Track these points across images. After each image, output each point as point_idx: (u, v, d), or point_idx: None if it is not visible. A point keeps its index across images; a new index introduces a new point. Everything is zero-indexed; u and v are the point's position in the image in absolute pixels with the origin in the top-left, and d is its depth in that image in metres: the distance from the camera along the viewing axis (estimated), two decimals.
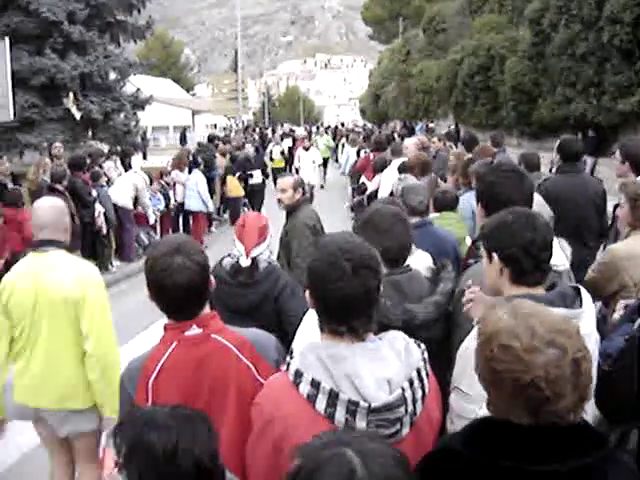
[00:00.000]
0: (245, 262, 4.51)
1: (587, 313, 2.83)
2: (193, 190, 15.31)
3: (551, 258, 2.95)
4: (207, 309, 2.83)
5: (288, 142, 28.14)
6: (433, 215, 5.98)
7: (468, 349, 2.78)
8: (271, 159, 24.61)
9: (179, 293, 2.68)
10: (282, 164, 24.44)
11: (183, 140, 43.61)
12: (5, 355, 4.39)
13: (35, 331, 4.29)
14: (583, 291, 2.91)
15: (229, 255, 4.67)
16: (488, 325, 2.02)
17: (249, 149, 20.64)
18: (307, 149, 22.26)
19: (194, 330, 2.74)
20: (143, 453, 2.00)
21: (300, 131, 40.96)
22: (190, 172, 15.73)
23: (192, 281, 2.69)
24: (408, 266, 3.65)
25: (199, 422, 2.09)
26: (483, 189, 3.89)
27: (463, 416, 2.70)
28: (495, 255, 2.95)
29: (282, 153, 24.83)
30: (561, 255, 3.70)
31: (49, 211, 4.38)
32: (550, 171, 9.11)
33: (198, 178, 15.35)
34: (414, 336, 2.53)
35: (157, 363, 2.71)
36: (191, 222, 15.99)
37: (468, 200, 6.74)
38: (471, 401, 2.68)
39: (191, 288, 2.70)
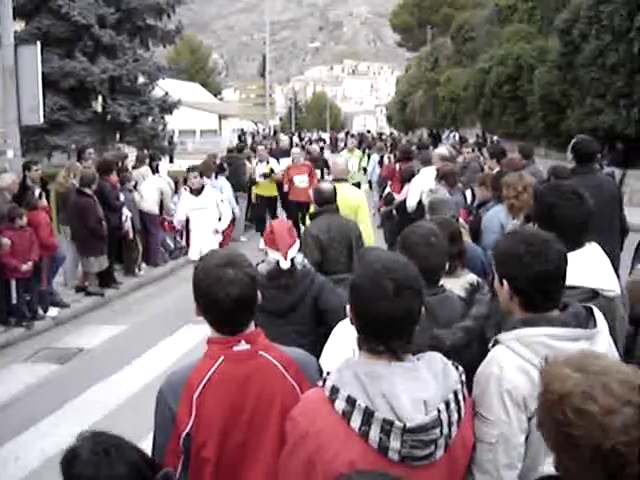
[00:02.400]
0: (285, 264, 4.63)
1: (602, 333, 2.79)
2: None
3: (563, 287, 2.88)
4: (253, 325, 2.81)
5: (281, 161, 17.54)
6: None
7: (484, 374, 2.75)
8: (253, 182, 17.59)
9: (231, 305, 2.65)
10: (272, 191, 16.84)
11: (240, 141, 43.07)
12: None
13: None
14: (596, 310, 2.87)
15: (262, 262, 4.77)
16: (555, 384, 1.87)
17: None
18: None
19: (242, 346, 2.72)
20: None
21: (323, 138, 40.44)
22: (216, 178, 15.67)
23: (244, 293, 2.68)
24: (442, 287, 3.57)
25: (118, 453, 2.08)
26: (541, 210, 3.81)
27: (484, 440, 2.65)
28: (505, 282, 2.92)
29: (268, 175, 16.51)
30: (613, 279, 3.62)
31: (341, 165, 9.42)
32: None
33: (223, 184, 15.28)
34: None
35: (203, 377, 2.68)
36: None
37: (496, 213, 6.65)
38: (491, 425, 2.63)
39: (243, 301, 2.68)
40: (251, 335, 2.76)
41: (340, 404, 2.26)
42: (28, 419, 7.15)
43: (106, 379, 8.28)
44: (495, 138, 34.57)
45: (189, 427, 2.65)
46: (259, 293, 2.81)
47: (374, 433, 2.20)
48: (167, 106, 27.66)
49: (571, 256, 3.01)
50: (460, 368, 2.44)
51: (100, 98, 23.57)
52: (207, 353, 2.77)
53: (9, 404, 7.65)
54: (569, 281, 2.94)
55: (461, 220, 6.45)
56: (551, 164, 9.85)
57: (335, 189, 6.88)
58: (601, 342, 2.73)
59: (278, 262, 4.62)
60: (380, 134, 51.26)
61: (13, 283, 9.72)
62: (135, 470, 2.03)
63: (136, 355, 9.07)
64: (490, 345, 2.88)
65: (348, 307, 2.45)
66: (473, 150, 14.48)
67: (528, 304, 2.85)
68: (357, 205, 8.48)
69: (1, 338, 9.59)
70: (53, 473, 6.22)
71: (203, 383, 2.67)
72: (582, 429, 1.77)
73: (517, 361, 2.65)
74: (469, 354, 3.31)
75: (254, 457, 2.72)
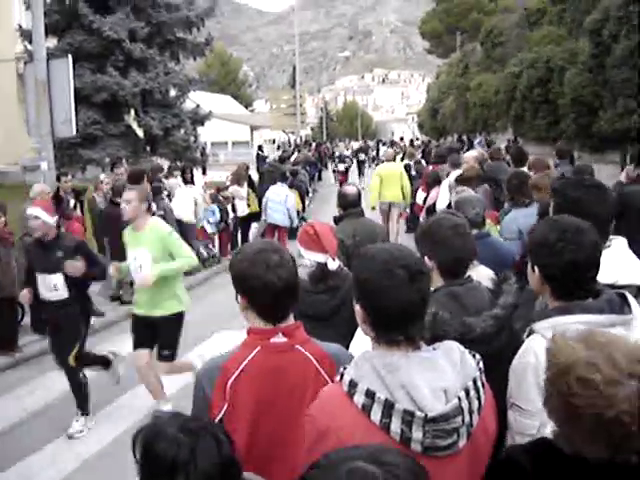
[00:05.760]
0: (334, 265, 4.54)
1: (637, 319, 2.77)
2: (280, 204, 14.74)
3: (596, 276, 2.87)
4: (292, 318, 2.85)
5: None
6: None
7: (521, 364, 2.75)
8: None
9: (282, 288, 2.71)
10: None
11: (261, 152, 42.65)
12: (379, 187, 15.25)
13: (388, 181, 15.13)
14: (629, 297, 2.85)
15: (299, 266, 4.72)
16: (561, 357, 1.90)
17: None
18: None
19: (280, 338, 2.76)
20: (151, 461, 2.04)
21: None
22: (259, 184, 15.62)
23: (292, 276, 2.75)
24: (469, 277, 3.57)
25: (207, 436, 2.09)
26: (566, 206, 3.73)
27: (524, 433, 2.67)
28: (537, 269, 2.93)
29: None
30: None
31: (389, 152, 19.57)
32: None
33: (288, 193, 15.08)
34: (471, 350, 2.49)
35: (239, 365, 2.72)
36: (276, 235, 15.18)
37: (514, 219, 6.52)
38: (530, 417, 2.64)
39: (291, 284, 2.74)
40: (289, 328, 2.79)
41: (359, 398, 2.26)
42: (64, 424, 7.26)
43: (140, 385, 8.36)
44: (507, 140, 34.31)
45: (222, 413, 2.69)
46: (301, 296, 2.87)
47: (395, 425, 2.20)
48: (199, 118, 27.89)
49: (613, 253, 2.98)
50: (477, 356, 2.43)
51: (133, 113, 23.77)
52: (245, 342, 2.81)
53: (45, 410, 7.78)
54: (621, 279, 2.90)
55: (488, 220, 6.39)
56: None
57: (360, 192, 6.88)
58: (637, 328, 2.72)
59: (324, 264, 4.52)
60: (411, 140, 51.14)
61: None
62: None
63: None
64: (525, 335, 2.89)
65: (357, 307, 2.44)
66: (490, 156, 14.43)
67: (559, 292, 2.86)
68: (400, 172, 15.59)
69: (37, 346, 9.71)
70: (88, 475, 6.33)
71: (238, 371, 2.71)
72: (585, 398, 1.79)
73: None
74: (498, 343, 3.32)
75: (283, 450, 2.73)
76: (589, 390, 1.79)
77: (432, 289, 3.35)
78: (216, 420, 2.67)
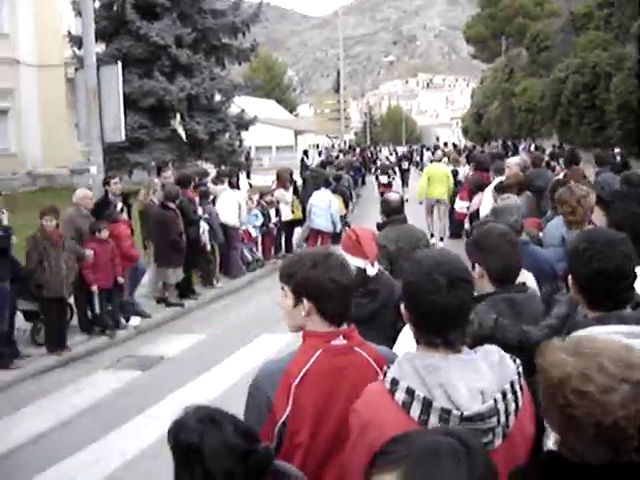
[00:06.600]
0: (373, 270, 4.70)
1: None
2: (324, 210, 14.92)
3: (628, 287, 2.91)
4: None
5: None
6: None
7: None
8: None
9: (349, 289, 2.85)
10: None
11: (306, 157, 42.19)
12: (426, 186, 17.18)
13: (435, 180, 17.19)
14: None
15: None
16: (554, 370, 1.96)
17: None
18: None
19: (340, 341, 2.84)
20: (176, 452, 2.13)
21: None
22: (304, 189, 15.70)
23: (352, 278, 2.90)
24: (524, 285, 3.63)
25: (216, 424, 2.14)
26: (618, 218, 3.78)
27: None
28: (570, 278, 3.01)
29: None
30: None
31: (438, 153, 23.45)
32: None
33: (332, 198, 15.28)
34: (529, 357, 2.55)
35: (302, 367, 2.78)
36: (319, 241, 15.21)
37: (557, 226, 6.47)
38: None
39: (353, 285, 2.89)
40: (348, 331, 2.87)
41: (400, 395, 2.34)
42: (110, 423, 7.42)
43: (185, 385, 8.51)
44: (553, 146, 33.89)
45: (285, 415, 2.72)
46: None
47: (433, 422, 2.27)
48: (243, 123, 28.14)
49: None
50: (518, 361, 2.50)
51: (179, 117, 24.07)
52: (305, 345, 2.86)
53: (94, 409, 7.94)
54: None
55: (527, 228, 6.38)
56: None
57: (402, 199, 6.97)
58: None
59: (364, 269, 4.66)
60: (454, 144, 50.84)
61: (95, 293, 10.10)
62: (237, 440, 2.15)
63: (214, 363, 9.28)
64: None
65: (402, 305, 2.56)
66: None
67: (591, 301, 2.91)
68: (447, 173, 17.52)
69: (85, 346, 9.95)
70: (133, 475, 6.47)
71: (302, 373, 2.75)
72: (583, 408, 1.86)
73: None
74: None
75: (339, 456, 2.74)
76: (585, 400, 1.86)
77: (486, 293, 3.46)
78: (279, 422, 2.72)
